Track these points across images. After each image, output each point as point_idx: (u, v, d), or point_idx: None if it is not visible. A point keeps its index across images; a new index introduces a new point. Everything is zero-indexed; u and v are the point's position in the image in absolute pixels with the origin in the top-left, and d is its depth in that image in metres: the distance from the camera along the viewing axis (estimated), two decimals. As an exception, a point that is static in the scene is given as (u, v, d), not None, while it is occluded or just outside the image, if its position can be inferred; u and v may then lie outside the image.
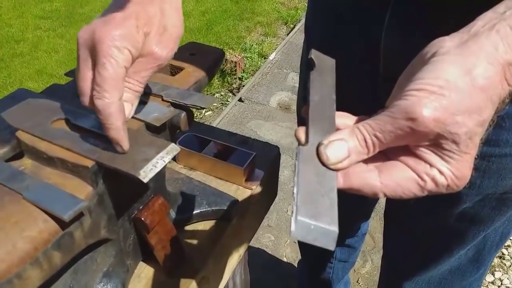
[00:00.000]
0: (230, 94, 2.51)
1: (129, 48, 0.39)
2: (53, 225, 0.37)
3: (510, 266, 1.59)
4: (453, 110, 0.29)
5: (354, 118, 0.37)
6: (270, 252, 1.63)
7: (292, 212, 0.29)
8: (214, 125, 1.94)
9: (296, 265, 1.53)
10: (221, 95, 2.50)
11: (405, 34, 0.54)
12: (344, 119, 0.37)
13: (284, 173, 1.92)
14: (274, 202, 0.77)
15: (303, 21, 2.95)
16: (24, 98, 0.48)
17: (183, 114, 0.49)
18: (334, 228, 0.28)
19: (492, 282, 1.55)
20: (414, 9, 0.52)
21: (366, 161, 0.33)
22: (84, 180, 0.41)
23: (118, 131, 0.39)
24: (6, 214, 0.37)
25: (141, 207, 0.50)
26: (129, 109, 0.42)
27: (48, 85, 0.59)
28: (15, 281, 0.35)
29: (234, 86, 2.56)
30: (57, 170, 0.42)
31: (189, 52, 0.61)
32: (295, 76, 2.58)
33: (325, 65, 0.42)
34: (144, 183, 0.38)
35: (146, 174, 0.38)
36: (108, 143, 0.41)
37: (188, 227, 0.60)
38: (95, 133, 0.43)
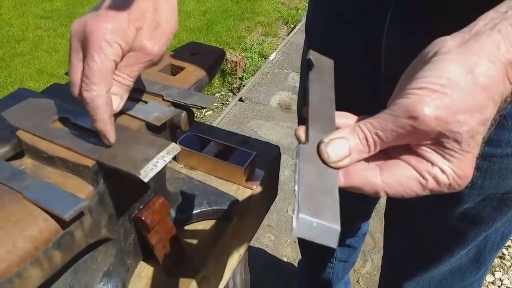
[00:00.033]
0: (231, 94, 2.51)
1: (119, 42, 0.39)
2: (54, 224, 0.37)
3: (511, 266, 1.59)
4: (455, 109, 0.29)
5: (355, 118, 0.37)
6: (270, 252, 1.63)
7: (294, 210, 0.28)
8: (215, 125, 1.94)
9: (296, 265, 1.53)
10: (221, 95, 2.50)
11: (406, 34, 0.54)
12: (345, 119, 0.36)
13: (285, 173, 1.92)
14: (274, 202, 0.77)
15: (303, 21, 2.96)
16: (24, 98, 0.48)
17: (184, 113, 0.49)
18: (336, 226, 0.28)
19: (492, 282, 1.54)
20: (415, 9, 0.52)
21: (367, 160, 0.33)
22: (85, 179, 0.41)
23: (105, 124, 0.40)
24: (7, 214, 0.37)
25: (141, 207, 0.50)
26: (118, 103, 0.43)
27: (48, 85, 0.59)
28: (15, 280, 0.35)
29: (235, 86, 2.56)
30: (57, 169, 0.42)
31: (190, 52, 0.61)
32: (295, 76, 2.58)
33: (324, 65, 0.41)
34: (145, 183, 0.38)
35: (147, 173, 0.38)
36: None
37: (188, 227, 0.60)
38: (96, 132, 0.43)
